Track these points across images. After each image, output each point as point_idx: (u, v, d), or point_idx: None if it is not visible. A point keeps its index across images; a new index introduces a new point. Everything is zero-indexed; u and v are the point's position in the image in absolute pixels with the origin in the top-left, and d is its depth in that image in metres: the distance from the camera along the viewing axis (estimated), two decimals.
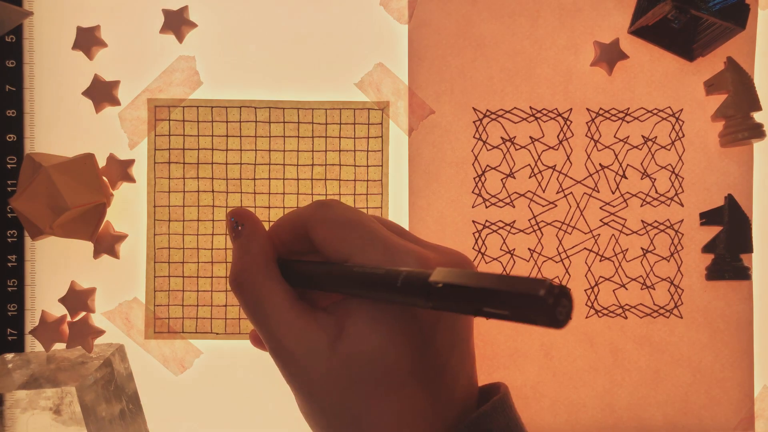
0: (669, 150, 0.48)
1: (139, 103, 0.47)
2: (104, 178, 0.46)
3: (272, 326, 0.26)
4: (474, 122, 0.48)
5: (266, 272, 0.28)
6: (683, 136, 0.48)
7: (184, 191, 0.47)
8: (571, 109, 0.48)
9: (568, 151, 0.48)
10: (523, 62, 0.48)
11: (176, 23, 0.46)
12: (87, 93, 0.46)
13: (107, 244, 0.46)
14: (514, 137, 0.48)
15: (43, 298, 0.47)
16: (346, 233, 0.27)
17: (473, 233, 0.48)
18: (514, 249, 0.48)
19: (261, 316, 0.27)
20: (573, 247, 0.48)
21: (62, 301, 0.46)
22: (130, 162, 0.47)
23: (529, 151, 0.48)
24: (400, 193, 0.48)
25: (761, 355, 0.48)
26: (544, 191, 0.48)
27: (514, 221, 0.48)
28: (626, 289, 0.48)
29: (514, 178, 0.48)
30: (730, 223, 0.47)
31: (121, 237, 0.47)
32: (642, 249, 0.48)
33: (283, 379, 0.27)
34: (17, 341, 0.47)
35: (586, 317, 0.48)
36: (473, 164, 0.48)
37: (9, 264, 0.47)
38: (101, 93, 0.46)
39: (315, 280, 0.27)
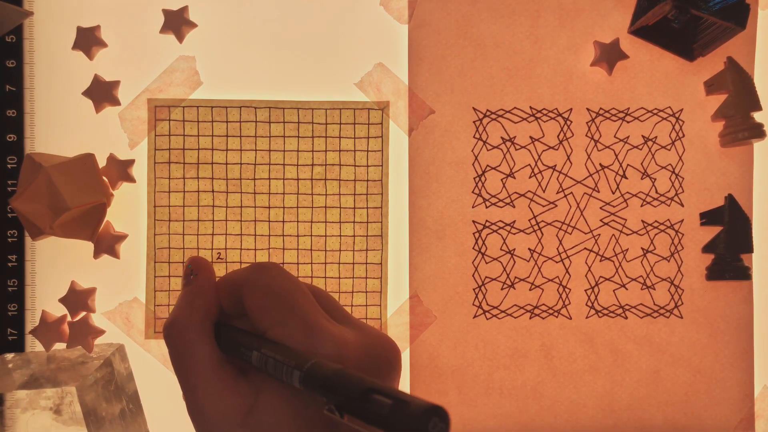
0: (669, 150, 0.48)
1: (139, 103, 0.47)
2: (104, 178, 0.46)
3: (192, 385, 0.27)
4: (474, 122, 0.48)
5: (199, 331, 0.28)
6: (683, 136, 0.48)
7: (184, 191, 0.47)
8: (571, 109, 0.48)
9: (568, 151, 0.48)
10: (523, 62, 0.48)
11: (176, 23, 0.46)
12: (87, 93, 0.46)
13: (107, 244, 0.46)
14: (514, 137, 0.48)
15: (44, 298, 0.47)
16: (271, 303, 0.26)
17: (473, 233, 0.48)
18: (514, 249, 0.48)
19: (183, 372, 0.27)
20: (573, 247, 0.48)
21: (62, 301, 0.46)
22: (130, 162, 0.47)
23: (529, 151, 0.48)
24: (400, 193, 0.48)
25: (761, 355, 0.48)
26: (544, 191, 0.48)
27: (514, 221, 0.48)
28: (626, 289, 0.48)
29: (514, 178, 0.48)
30: (730, 223, 0.47)
31: (122, 237, 0.47)
32: (642, 249, 0.48)
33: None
34: (17, 341, 0.47)
35: (586, 317, 0.48)
36: (473, 164, 0.48)
37: (9, 264, 0.47)
38: (101, 93, 0.46)
39: (238, 351, 0.27)
